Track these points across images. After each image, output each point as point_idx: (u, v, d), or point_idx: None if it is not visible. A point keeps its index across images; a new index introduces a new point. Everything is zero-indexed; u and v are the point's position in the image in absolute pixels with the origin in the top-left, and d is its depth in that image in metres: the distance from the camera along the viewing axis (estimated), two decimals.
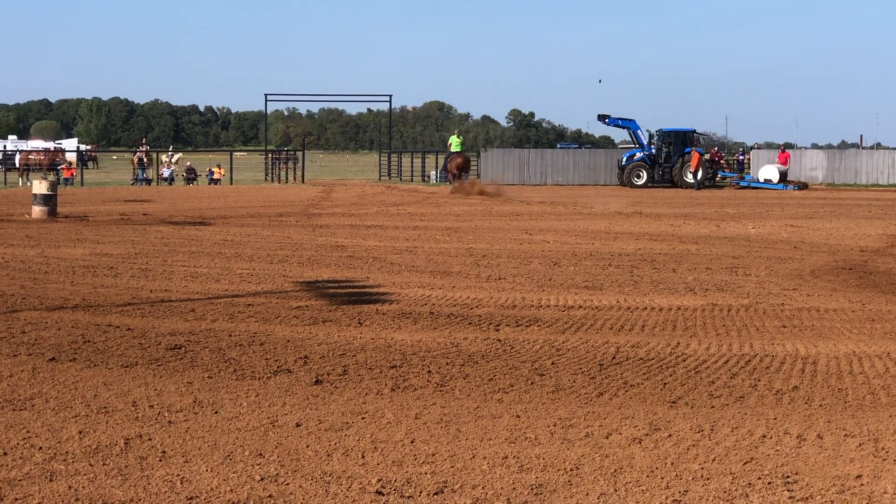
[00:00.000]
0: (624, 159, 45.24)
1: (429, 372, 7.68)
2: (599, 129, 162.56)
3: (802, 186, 43.01)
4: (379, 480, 5.15)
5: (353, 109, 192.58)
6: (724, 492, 5.05)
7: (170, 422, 6.20)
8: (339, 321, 9.70)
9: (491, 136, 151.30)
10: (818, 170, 48.45)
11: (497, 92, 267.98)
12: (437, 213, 25.08)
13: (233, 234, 18.44)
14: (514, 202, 30.48)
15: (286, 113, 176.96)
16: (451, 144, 43.32)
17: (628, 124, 45.70)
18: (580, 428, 6.17)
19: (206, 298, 10.89)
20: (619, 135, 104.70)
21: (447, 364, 7.94)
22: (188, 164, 50.05)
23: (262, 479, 5.13)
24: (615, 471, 5.36)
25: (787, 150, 48.92)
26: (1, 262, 13.68)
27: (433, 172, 50.02)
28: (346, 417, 6.37)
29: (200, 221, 21.53)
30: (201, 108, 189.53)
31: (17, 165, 47.87)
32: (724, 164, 52.18)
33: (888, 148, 66.42)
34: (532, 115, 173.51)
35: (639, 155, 44.57)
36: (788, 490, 5.08)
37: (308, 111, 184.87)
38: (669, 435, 6.04)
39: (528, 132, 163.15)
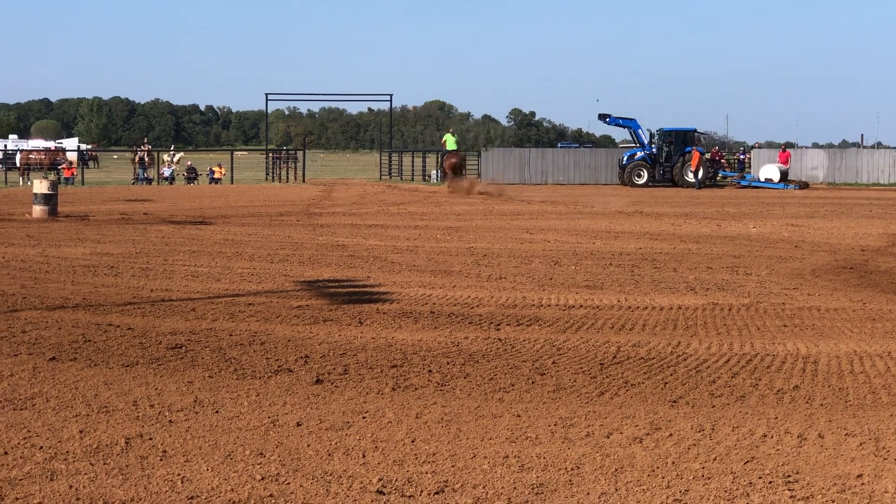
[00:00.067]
0: (625, 159, 45.22)
1: (430, 371, 7.68)
2: (600, 129, 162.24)
3: (803, 186, 43.00)
4: (380, 480, 5.15)
5: (353, 109, 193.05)
6: (725, 491, 5.04)
7: (170, 421, 6.20)
8: (340, 320, 9.70)
9: (492, 136, 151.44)
10: (819, 169, 48.44)
11: (498, 91, 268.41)
12: (438, 213, 25.08)
13: (233, 234, 18.44)
14: (514, 201, 30.48)
15: (287, 112, 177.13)
16: (445, 142, 43.12)
17: (629, 123, 45.67)
18: (581, 427, 6.17)
19: (206, 298, 10.89)
20: (620, 134, 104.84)
21: (448, 363, 7.94)
22: (189, 163, 50.04)
23: (262, 479, 5.13)
24: (616, 470, 5.36)
25: (787, 150, 48.89)
26: (2, 262, 13.68)
27: (434, 172, 50.00)
28: (347, 417, 6.37)
29: (201, 221, 21.53)
30: (202, 108, 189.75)
31: (18, 165, 47.84)
32: (725, 163, 52.16)
33: (889, 147, 66.36)
34: (533, 114, 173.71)
35: (640, 154, 44.55)
36: (789, 489, 5.08)
37: (309, 110, 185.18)
38: (670, 434, 6.04)
39: (529, 131, 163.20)
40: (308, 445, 5.73)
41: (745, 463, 5.49)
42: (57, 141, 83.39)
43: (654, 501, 4.92)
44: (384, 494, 4.96)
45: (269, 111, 61.67)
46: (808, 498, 4.97)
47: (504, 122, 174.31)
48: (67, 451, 5.53)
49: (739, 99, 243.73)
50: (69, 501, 4.79)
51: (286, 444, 5.76)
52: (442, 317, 9.92)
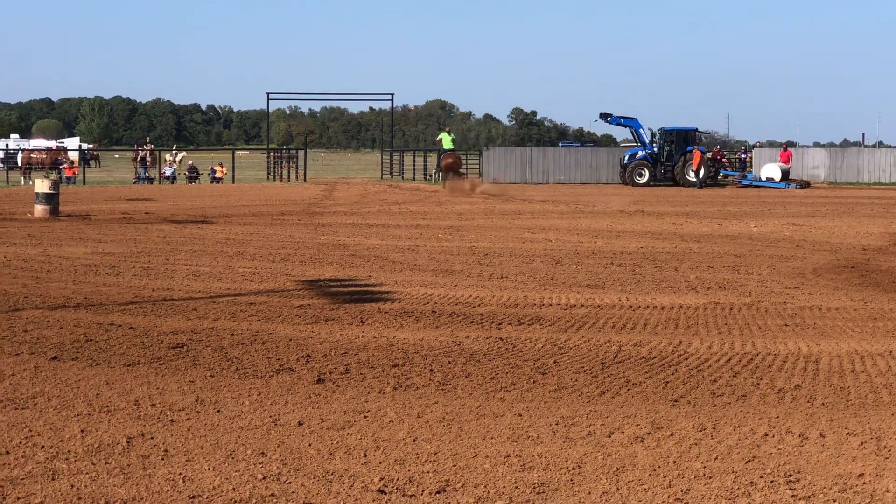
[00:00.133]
0: (626, 158, 45.21)
1: (431, 371, 7.68)
2: (601, 128, 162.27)
3: (804, 185, 42.98)
4: (381, 479, 5.15)
5: (355, 108, 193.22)
6: (727, 490, 5.04)
7: (172, 420, 6.20)
8: (342, 320, 9.70)
9: (493, 135, 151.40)
10: (820, 168, 48.43)
11: (499, 90, 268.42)
12: (439, 212, 25.08)
13: (235, 233, 18.45)
14: (516, 201, 30.48)
15: (288, 111, 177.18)
16: (441, 141, 42.94)
17: (630, 123, 45.65)
18: (582, 426, 6.17)
19: (208, 297, 10.89)
20: (622, 133, 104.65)
21: (449, 363, 7.94)
22: (190, 162, 50.06)
23: (264, 478, 5.14)
24: (617, 469, 5.35)
25: (789, 149, 48.85)
26: (3, 261, 13.69)
27: (435, 171, 49.98)
28: (349, 416, 6.37)
29: (202, 220, 21.53)
30: (203, 107, 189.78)
31: (20, 164, 47.86)
32: (726, 162, 52.17)
33: (890, 146, 66.34)
34: (534, 113, 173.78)
35: (641, 153, 44.55)
36: (791, 489, 5.08)
37: (310, 110, 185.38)
38: (672, 433, 6.04)
39: (530, 131, 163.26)
40: (309, 445, 5.74)
41: (746, 462, 5.49)
42: (58, 140, 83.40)
43: (655, 501, 4.92)
44: (386, 494, 4.96)
45: (271, 110, 61.74)
46: (809, 497, 4.97)
47: (505, 121, 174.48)
48: (69, 451, 5.53)
49: (741, 98, 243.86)
50: (71, 501, 4.79)
51: (288, 443, 5.76)
52: (443, 316, 9.92)
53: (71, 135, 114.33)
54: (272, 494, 4.91)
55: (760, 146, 56.02)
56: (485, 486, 5.07)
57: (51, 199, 21.51)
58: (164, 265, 13.55)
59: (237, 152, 57.00)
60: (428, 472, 5.28)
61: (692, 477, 5.25)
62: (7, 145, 64.70)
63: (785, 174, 43.55)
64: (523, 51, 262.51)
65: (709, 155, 47.28)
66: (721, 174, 47.17)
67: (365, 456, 5.54)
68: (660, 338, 8.96)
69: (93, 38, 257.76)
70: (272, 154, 53.06)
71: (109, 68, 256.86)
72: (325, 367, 7.72)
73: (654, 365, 7.94)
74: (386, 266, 13.78)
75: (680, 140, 44.29)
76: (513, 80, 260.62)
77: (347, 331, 9.15)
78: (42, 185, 21.87)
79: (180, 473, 5.18)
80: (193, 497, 4.86)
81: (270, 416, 6.32)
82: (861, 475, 5.30)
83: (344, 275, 12.84)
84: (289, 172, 49.06)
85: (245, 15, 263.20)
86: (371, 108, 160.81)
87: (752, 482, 5.16)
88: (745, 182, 44.06)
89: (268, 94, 54.75)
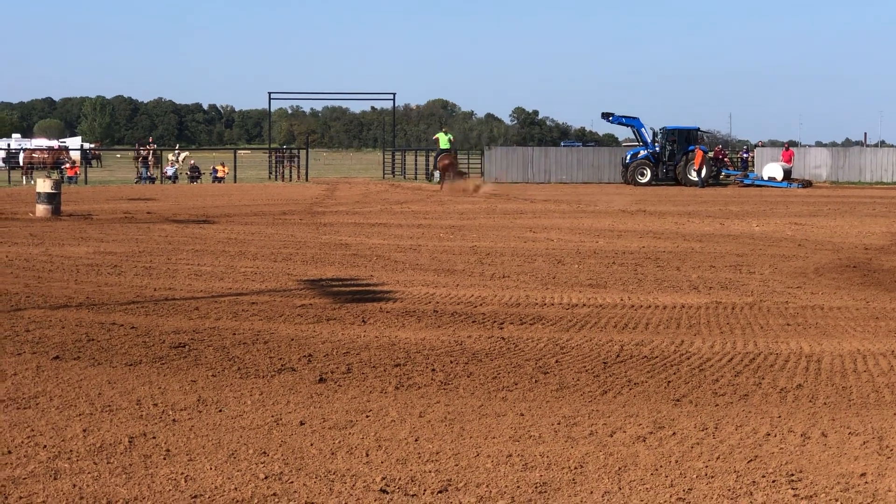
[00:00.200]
0: (628, 157, 45.18)
1: (433, 370, 7.68)
2: (603, 127, 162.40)
3: (806, 184, 42.94)
4: (383, 479, 5.15)
5: (356, 107, 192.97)
6: (729, 490, 5.04)
7: (174, 420, 6.20)
8: (343, 319, 9.70)
9: (495, 134, 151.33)
10: (822, 167, 48.39)
11: (501, 90, 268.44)
12: (441, 212, 25.08)
13: (237, 233, 18.45)
14: (517, 200, 30.47)
15: (290, 111, 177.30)
16: (437, 140, 42.85)
17: (632, 122, 45.62)
18: (584, 426, 6.17)
19: (209, 297, 10.90)
20: (623, 133, 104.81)
21: (451, 362, 7.94)
22: (192, 162, 50.06)
23: (266, 478, 5.14)
24: (619, 469, 5.35)
25: (791, 148, 48.81)
26: (5, 261, 13.70)
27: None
28: (350, 416, 6.37)
29: (204, 220, 21.54)
30: (205, 107, 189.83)
31: (21, 164, 47.86)
32: (728, 161, 52.13)
33: (892, 146, 66.34)
34: (536, 112, 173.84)
35: (643, 153, 44.51)
36: (793, 488, 5.07)
37: (312, 109, 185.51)
38: (674, 433, 6.03)
39: (532, 130, 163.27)
40: (311, 444, 5.74)
41: (748, 462, 5.49)
42: (60, 140, 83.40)
43: (657, 500, 4.92)
44: (387, 493, 4.96)
45: (272, 110, 61.77)
46: (811, 497, 4.97)
47: (507, 120, 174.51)
48: (71, 450, 5.53)
49: (742, 97, 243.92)
50: (73, 500, 4.79)
51: (289, 442, 5.76)
52: (445, 315, 9.92)
53: (73, 134, 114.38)
54: (274, 494, 4.91)
55: (762, 145, 55.98)
56: (487, 486, 5.07)
57: (52, 198, 21.52)
58: (165, 265, 13.55)
59: (239, 152, 57.06)
60: (430, 472, 5.28)
61: (694, 476, 5.24)
62: (9, 145, 64.66)
63: (787, 174, 43.51)
64: (525, 50, 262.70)
65: (711, 154, 47.24)
66: (723, 174, 47.11)
67: (367, 455, 5.55)
68: (662, 337, 8.96)
69: (94, 37, 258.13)
70: (274, 154, 53.05)
71: (111, 68, 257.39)
72: (326, 367, 7.72)
73: (656, 364, 7.94)
74: (388, 265, 13.78)
75: (682, 139, 44.25)
76: (514, 80, 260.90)
77: (349, 330, 9.15)
78: (44, 185, 21.88)
79: (182, 473, 5.18)
80: (195, 497, 4.86)
81: (272, 416, 6.33)
82: (863, 475, 5.30)
83: (346, 274, 12.84)
84: (290, 172, 49.05)
85: (247, 14, 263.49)
86: (373, 108, 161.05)
87: (754, 482, 5.16)
88: (746, 181, 44.01)
89: (269, 93, 54.86)
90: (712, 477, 5.23)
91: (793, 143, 55.55)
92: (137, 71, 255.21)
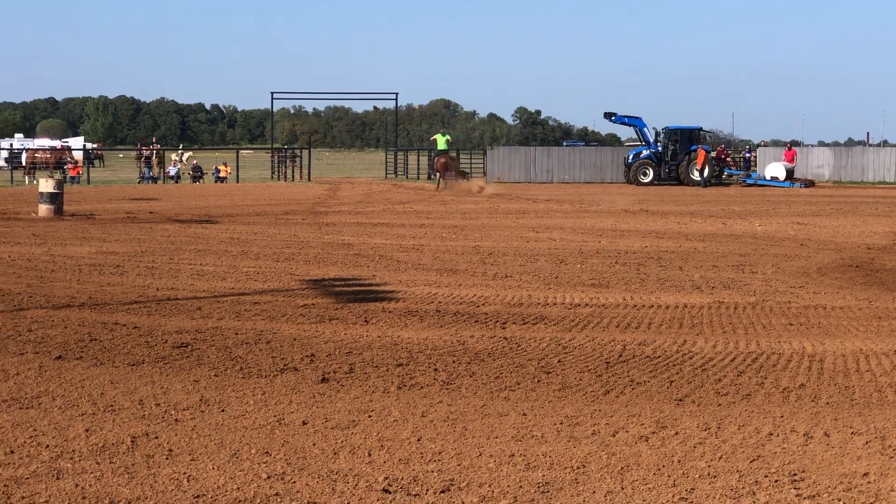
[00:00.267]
0: (630, 157, 45.16)
1: (435, 370, 7.68)
2: (606, 127, 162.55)
3: (809, 184, 42.92)
4: (385, 478, 5.15)
5: (359, 107, 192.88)
6: (731, 489, 5.04)
7: (176, 420, 6.21)
8: (346, 319, 9.70)
9: (497, 134, 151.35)
10: (825, 167, 48.36)
11: (503, 90, 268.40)
12: (444, 211, 25.08)
13: (239, 233, 18.46)
14: (520, 200, 30.47)
15: (292, 111, 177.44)
16: (435, 141, 42.79)
17: (635, 122, 45.59)
18: (587, 426, 6.17)
19: (212, 297, 10.90)
20: (626, 133, 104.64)
21: (454, 362, 7.94)
22: (195, 162, 50.09)
23: (268, 478, 5.14)
24: (622, 469, 5.35)
25: (793, 148, 48.81)
26: (8, 261, 13.71)
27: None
28: (353, 415, 6.37)
29: (207, 220, 21.55)
30: (207, 107, 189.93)
31: (24, 164, 47.90)
32: (731, 161, 52.08)
33: (895, 145, 66.30)
34: (538, 112, 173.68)
35: (645, 153, 44.49)
36: (795, 488, 5.07)
37: (314, 109, 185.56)
38: (676, 433, 6.03)
39: (535, 130, 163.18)
40: (314, 444, 5.74)
41: (750, 461, 5.48)
42: (62, 140, 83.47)
43: (659, 500, 4.92)
44: (390, 493, 4.96)
45: (275, 110, 61.79)
46: (814, 496, 4.97)
47: (510, 120, 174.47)
48: (73, 450, 5.54)
49: (745, 97, 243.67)
50: (75, 500, 4.80)
51: (292, 442, 5.76)
52: (447, 315, 9.92)
53: (75, 134, 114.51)
54: (276, 494, 4.91)
55: (765, 145, 55.96)
56: (489, 486, 5.07)
57: (55, 198, 21.54)
58: (168, 265, 13.56)
59: (241, 152, 57.09)
60: (432, 472, 5.28)
61: (697, 476, 5.24)
62: (11, 145, 64.73)
63: (789, 173, 43.49)
64: (527, 50, 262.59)
65: (713, 154, 47.19)
66: (725, 173, 47.09)
67: (369, 455, 5.55)
68: (664, 337, 8.96)
69: (97, 37, 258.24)
70: (276, 153, 53.07)
71: (113, 68, 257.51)
72: (329, 367, 7.72)
73: (659, 364, 7.93)
74: (390, 265, 13.78)
75: (684, 139, 44.23)
76: (517, 80, 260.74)
77: (352, 330, 9.15)
78: (46, 185, 21.89)
79: (185, 473, 5.18)
80: (198, 496, 4.86)
81: (275, 416, 6.33)
82: (866, 474, 5.30)
83: (348, 274, 12.84)
84: (293, 172, 49.06)
85: (249, 14, 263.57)
86: (375, 108, 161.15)
87: (756, 481, 5.15)
88: (749, 181, 43.99)
89: (272, 93, 54.97)
90: (715, 477, 5.23)
91: (795, 143, 55.54)
92: (140, 71, 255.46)
